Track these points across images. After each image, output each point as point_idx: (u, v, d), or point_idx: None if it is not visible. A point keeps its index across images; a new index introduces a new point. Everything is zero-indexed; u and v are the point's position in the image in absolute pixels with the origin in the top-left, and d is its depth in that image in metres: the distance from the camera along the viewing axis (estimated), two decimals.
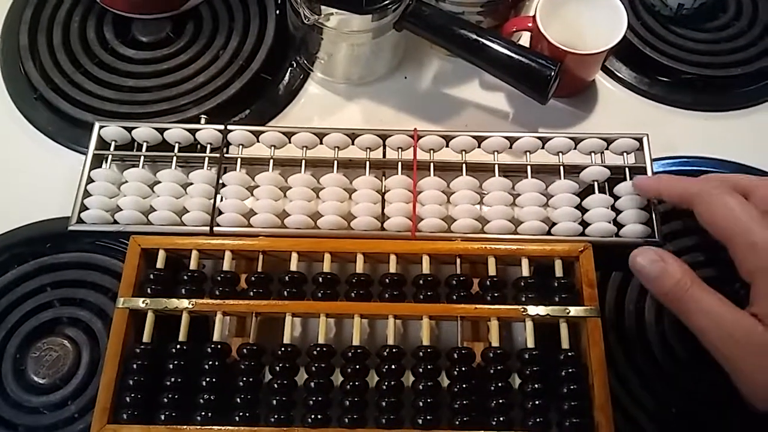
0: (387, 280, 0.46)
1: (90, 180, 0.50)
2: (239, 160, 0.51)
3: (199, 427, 0.42)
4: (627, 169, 0.51)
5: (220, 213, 0.49)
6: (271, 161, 0.51)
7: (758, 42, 0.61)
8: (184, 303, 0.45)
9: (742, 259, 0.40)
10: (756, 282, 0.39)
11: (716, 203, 0.41)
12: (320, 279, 0.46)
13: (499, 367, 0.44)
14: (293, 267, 0.47)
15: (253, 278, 0.46)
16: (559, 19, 0.55)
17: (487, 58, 0.52)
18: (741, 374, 0.38)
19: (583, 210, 0.50)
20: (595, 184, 0.51)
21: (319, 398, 0.43)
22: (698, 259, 0.49)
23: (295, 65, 0.61)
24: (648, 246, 0.42)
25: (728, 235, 0.40)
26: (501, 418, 0.43)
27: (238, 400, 0.43)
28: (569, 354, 0.44)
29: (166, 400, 0.43)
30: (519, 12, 0.58)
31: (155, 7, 0.60)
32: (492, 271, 0.47)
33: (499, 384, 0.44)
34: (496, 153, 0.52)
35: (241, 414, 0.43)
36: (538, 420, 0.42)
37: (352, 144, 0.52)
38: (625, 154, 0.51)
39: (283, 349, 0.44)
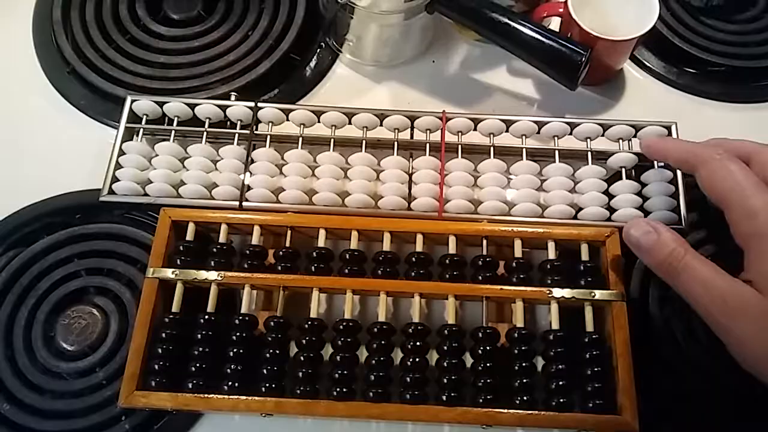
0: (413, 259, 0.47)
1: (121, 152, 0.51)
2: (269, 137, 0.52)
3: (226, 396, 0.42)
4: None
5: (249, 189, 0.50)
6: (300, 139, 0.52)
7: None
8: (213, 275, 0.46)
9: (737, 224, 0.40)
10: (750, 248, 0.39)
11: (718, 167, 0.41)
12: (347, 256, 0.47)
13: (523, 348, 0.44)
14: (321, 244, 0.47)
15: (281, 253, 0.47)
16: (590, 5, 0.55)
17: (518, 42, 0.52)
18: (735, 341, 0.38)
19: (610, 196, 0.50)
20: (623, 170, 0.51)
21: (345, 372, 0.44)
22: (724, 248, 0.49)
23: (324, 46, 0.61)
24: (640, 218, 0.42)
25: (726, 198, 0.41)
26: (524, 398, 0.43)
27: (265, 371, 0.44)
28: (593, 337, 0.44)
29: (194, 369, 0.44)
30: None
31: None
32: (518, 253, 0.47)
33: (523, 364, 0.44)
34: (524, 137, 0.52)
35: (267, 385, 0.43)
36: (561, 400, 0.43)
37: (381, 125, 0.53)
38: None
39: (309, 323, 0.45)
